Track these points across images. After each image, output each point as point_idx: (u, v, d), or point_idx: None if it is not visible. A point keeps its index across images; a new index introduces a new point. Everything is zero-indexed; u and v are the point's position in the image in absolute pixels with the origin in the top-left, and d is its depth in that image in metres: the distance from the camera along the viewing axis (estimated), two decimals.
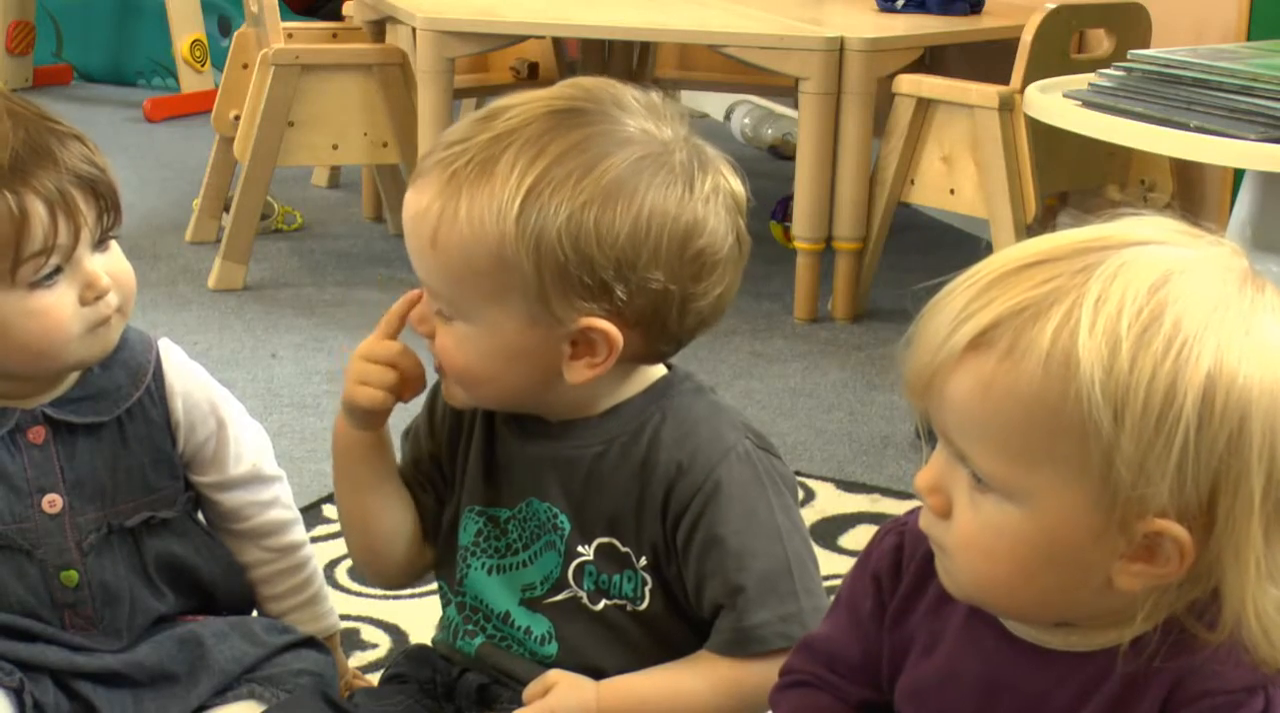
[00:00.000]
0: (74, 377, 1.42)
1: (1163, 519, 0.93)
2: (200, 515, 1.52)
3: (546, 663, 1.31)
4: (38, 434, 1.41)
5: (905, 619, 1.11)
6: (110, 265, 1.39)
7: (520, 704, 1.30)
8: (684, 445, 1.26)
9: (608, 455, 1.28)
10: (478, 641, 1.35)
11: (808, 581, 1.28)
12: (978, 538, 0.97)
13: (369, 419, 1.33)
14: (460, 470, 1.36)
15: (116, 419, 1.42)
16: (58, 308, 1.35)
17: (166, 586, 1.46)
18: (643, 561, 1.28)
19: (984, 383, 0.94)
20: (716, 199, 1.24)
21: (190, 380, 1.47)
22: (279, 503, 1.52)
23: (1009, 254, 0.98)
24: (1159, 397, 0.91)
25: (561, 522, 1.30)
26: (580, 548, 1.29)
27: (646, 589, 1.29)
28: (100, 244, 1.38)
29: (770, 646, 1.25)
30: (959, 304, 0.96)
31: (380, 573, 1.42)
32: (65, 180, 1.33)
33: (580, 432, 1.29)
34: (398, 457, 1.40)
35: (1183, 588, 0.96)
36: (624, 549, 1.28)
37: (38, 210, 1.32)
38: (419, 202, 1.22)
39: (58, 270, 1.35)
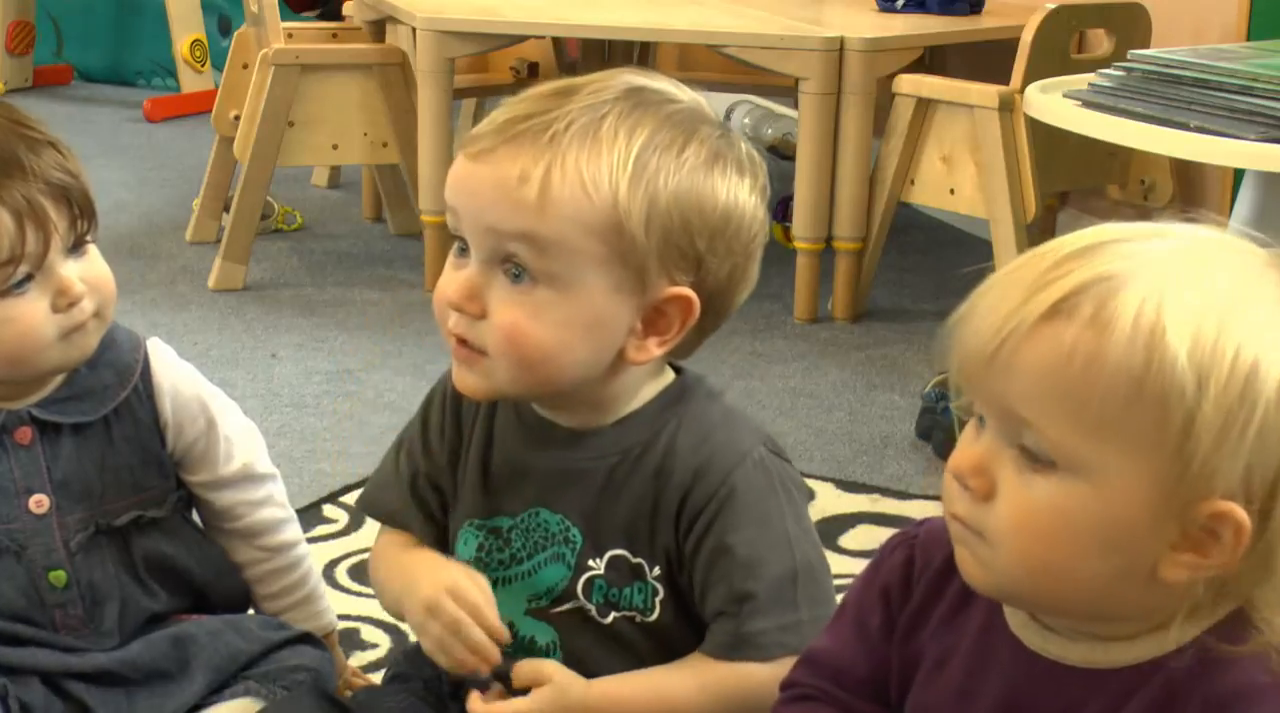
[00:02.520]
0: (61, 377, 1.42)
1: (1227, 501, 0.92)
2: (194, 515, 1.52)
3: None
4: (24, 435, 1.41)
5: (916, 635, 1.09)
6: (87, 271, 1.38)
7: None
8: (699, 452, 1.25)
9: (623, 466, 1.27)
10: None
11: (814, 589, 1.26)
12: (1031, 519, 0.96)
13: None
14: (458, 485, 1.34)
15: (103, 419, 1.42)
16: (29, 315, 1.35)
17: (157, 584, 1.46)
18: (656, 570, 1.27)
19: (1065, 350, 0.93)
20: (763, 198, 1.27)
21: (179, 379, 1.47)
22: (272, 501, 1.52)
23: (1080, 234, 0.97)
24: (1244, 370, 0.91)
25: (574, 535, 1.28)
26: (592, 561, 1.28)
27: (657, 600, 1.27)
28: (76, 250, 1.38)
29: (766, 653, 1.24)
30: (1030, 276, 0.95)
31: None
32: (34, 189, 1.33)
33: (594, 442, 1.28)
34: (397, 472, 1.38)
35: (1219, 594, 0.96)
36: (636, 560, 1.27)
37: (4, 220, 1.32)
38: (511, 166, 1.19)
39: (28, 278, 1.35)
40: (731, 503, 1.24)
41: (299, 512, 1.58)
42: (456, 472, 1.34)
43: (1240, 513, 0.92)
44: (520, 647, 1.31)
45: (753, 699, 1.22)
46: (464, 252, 1.24)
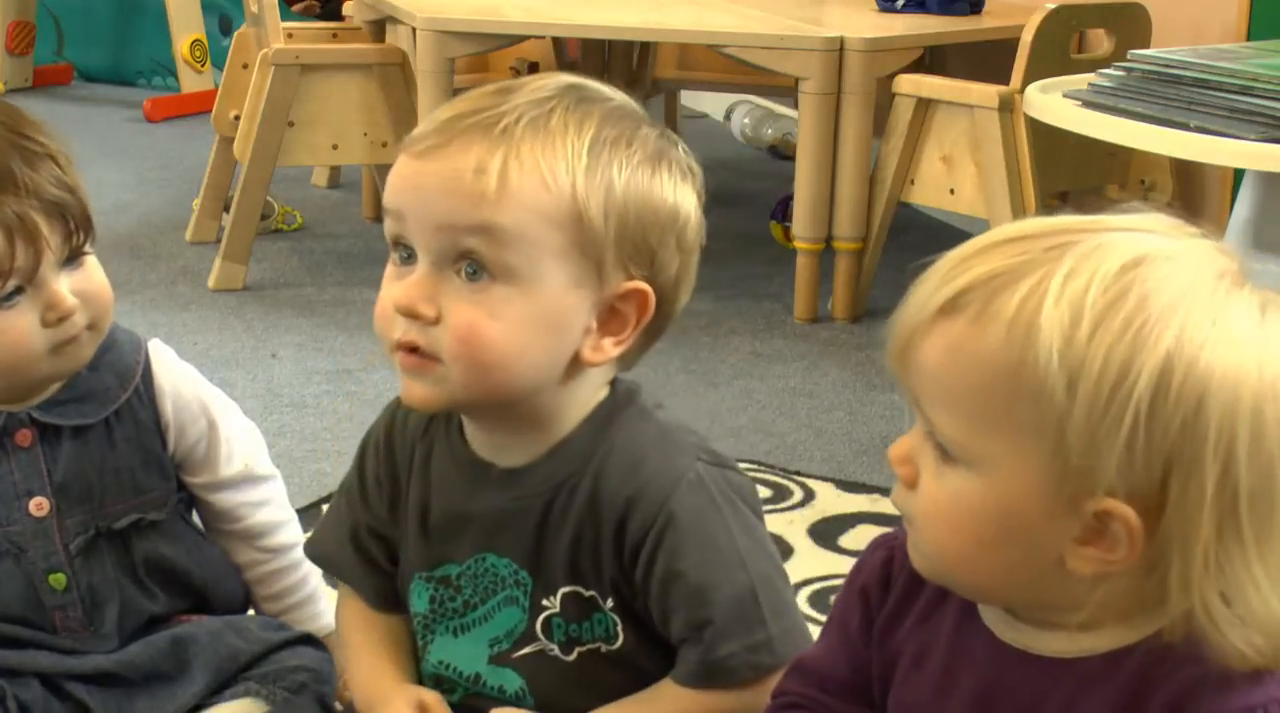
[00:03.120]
0: (57, 379, 1.41)
1: (1112, 499, 0.93)
2: (194, 517, 1.52)
3: (526, 706, 1.28)
4: (24, 437, 1.41)
5: (893, 633, 1.10)
6: (82, 283, 1.38)
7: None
8: (630, 481, 1.22)
9: (558, 501, 1.24)
10: (455, 696, 1.31)
11: (775, 602, 1.23)
12: (940, 508, 0.99)
13: None
14: (402, 535, 1.32)
15: (104, 421, 1.42)
16: (18, 328, 1.35)
17: (157, 587, 1.46)
18: (609, 602, 1.24)
19: (951, 346, 0.96)
20: (700, 201, 1.26)
21: (180, 381, 1.46)
22: (272, 503, 1.52)
23: (995, 230, 1.00)
24: (1114, 371, 0.91)
25: (523, 577, 1.25)
26: (545, 601, 1.25)
27: (618, 628, 1.25)
28: (71, 262, 1.37)
29: (738, 677, 1.22)
30: (939, 274, 0.98)
31: None
32: (26, 204, 1.33)
33: (527, 480, 1.25)
34: (338, 521, 1.37)
35: (1136, 578, 0.96)
36: (589, 594, 1.24)
37: None
38: (465, 159, 1.16)
39: (19, 291, 1.34)
40: (672, 530, 1.21)
41: (299, 512, 1.58)
42: (396, 518, 1.32)
43: (1124, 510, 0.93)
44: (491, 697, 1.28)
45: None
46: (407, 259, 1.20)
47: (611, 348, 1.21)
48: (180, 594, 1.48)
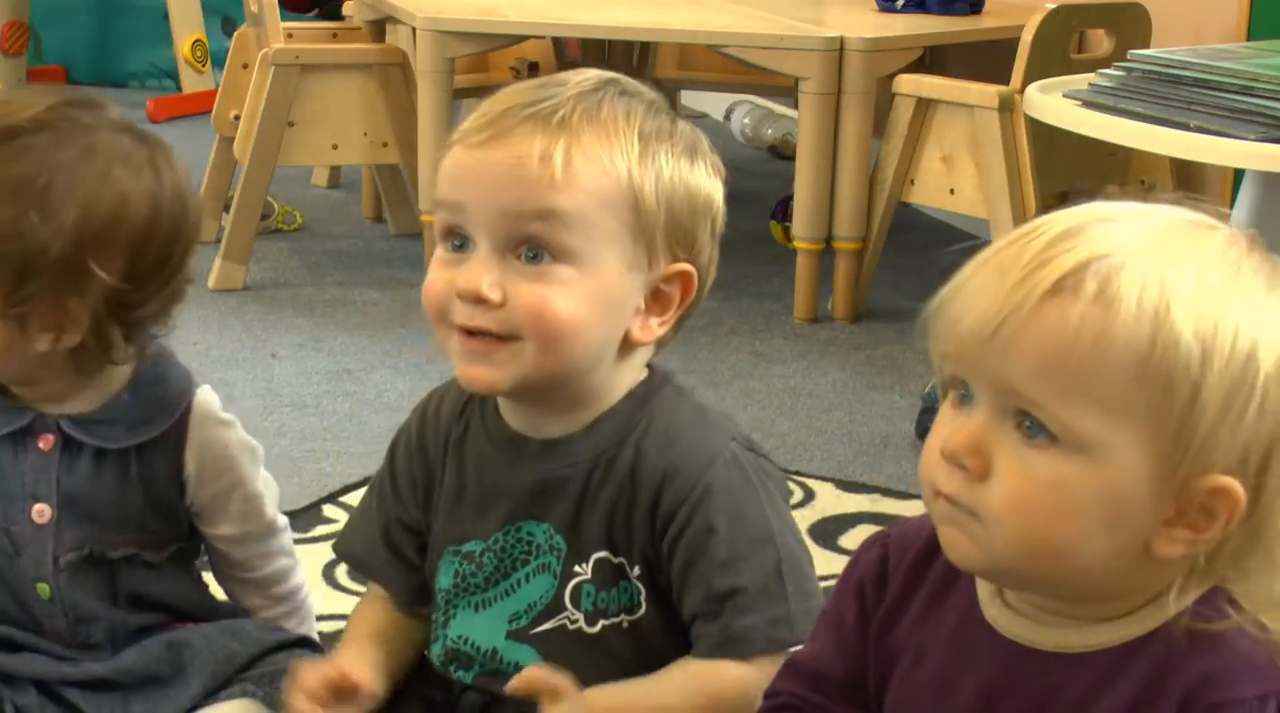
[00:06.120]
0: (101, 396, 1.40)
1: (1226, 475, 0.94)
2: (194, 554, 1.51)
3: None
4: (47, 441, 1.39)
5: (892, 630, 1.09)
6: None
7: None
8: (667, 454, 1.25)
9: (597, 472, 1.27)
10: (470, 674, 1.32)
11: (801, 581, 1.26)
12: (1032, 497, 0.95)
13: None
14: (432, 519, 1.33)
15: (124, 451, 1.40)
16: None
17: (141, 613, 1.44)
18: (636, 570, 1.27)
19: (1072, 327, 0.93)
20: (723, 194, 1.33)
21: (213, 438, 1.43)
22: (283, 551, 1.51)
23: (1066, 213, 0.98)
24: (1245, 347, 0.93)
25: (559, 543, 1.28)
26: (577, 567, 1.27)
27: (642, 598, 1.27)
28: None
29: (756, 649, 1.24)
30: (1025, 255, 0.95)
31: None
32: None
33: (567, 450, 1.28)
34: (368, 519, 1.38)
35: (1193, 575, 0.97)
36: (617, 560, 1.27)
37: None
38: (529, 147, 1.21)
39: None
40: (707, 502, 1.24)
41: (299, 512, 1.58)
42: (430, 508, 1.34)
43: (1238, 487, 0.94)
44: (506, 673, 1.29)
45: (747, 696, 1.21)
46: (460, 247, 1.23)
47: (658, 327, 1.27)
48: (168, 618, 1.47)
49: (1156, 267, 0.93)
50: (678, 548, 1.25)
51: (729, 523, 1.24)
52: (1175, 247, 0.95)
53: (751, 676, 1.23)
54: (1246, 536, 0.96)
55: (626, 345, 1.27)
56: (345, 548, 1.41)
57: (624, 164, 1.23)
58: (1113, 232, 0.95)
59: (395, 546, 1.36)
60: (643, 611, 1.27)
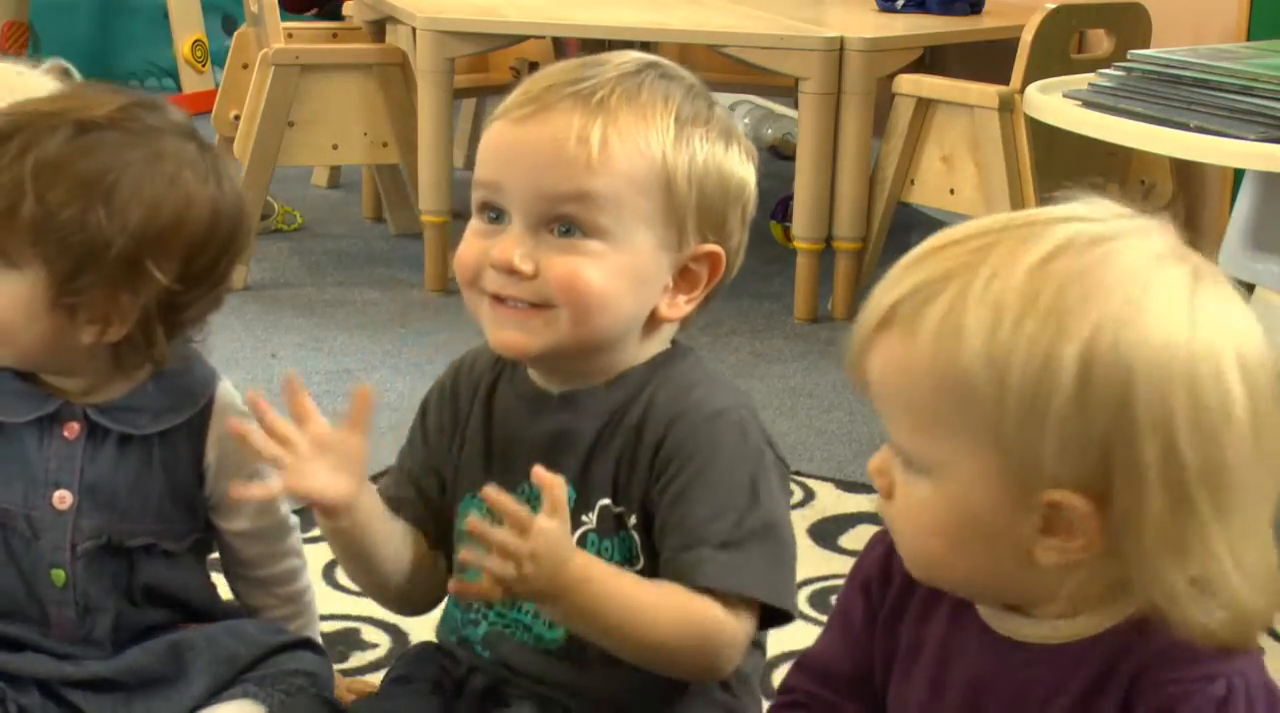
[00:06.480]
0: (127, 385, 1.42)
1: (1059, 489, 0.94)
2: (209, 548, 1.51)
3: (551, 649, 1.31)
4: (72, 429, 1.41)
5: (896, 627, 1.11)
6: None
7: (529, 701, 1.30)
8: (676, 403, 1.28)
9: (609, 426, 1.30)
10: (481, 629, 1.34)
11: (773, 547, 1.26)
12: (910, 515, 1.00)
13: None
14: (456, 462, 1.36)
15: (147, 439, 1.42)
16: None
17: (151, 608, 1.45)
18: (633, 519, 1.29)
19: (891, 360, 0.98)
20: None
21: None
22: (293, 551, 1.52)
23: (930, 239, 1.01)
24: (1037, 362, 0.92)
25: (569, 493, 1.28)
26: (584, 516, 1.29)
27: (639, 550, 1.29)
28: None
29: (712, 582, 1.23)
30: (879, 289, 1.00)
31: (415, 605, 1.42)
32: None
33: (587, 403, 1.31)
34: (400, 467, 1.40)
35: (1102, 565, 0.97)
36: (618, 509, 1.29)
37: None
38: (566, 126, 1.24)
39: None
40: (704, 452, 1.26)
41: (299, 511, 1.58)
42: (451, 451, 1.37)
43: (1074, 499, 0.94)
44: (523, 622, 1.32)
45: (709, 636, 1.23)
46: (496, 219, 1.27)
47: (685, 305, 1.30)
48: (176, 615, 1.47)
49: (963, 291, 0.95)
50: (668, 490, 1.27)
51: (716, 476, 1.26)
52: (997, 264, 0.95)
53: (727, 622, 1.24)
54: (1129, 555, 0.95)
55: (653, 321, 1.30)
56: (382, 491, 1.40)
57: (659, 147, 1.26)
58: (947, 257, 0.97)
59: (422, 489, 1.38)
60: (641, 564, 1.29)
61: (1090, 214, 0.98)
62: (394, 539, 1.34)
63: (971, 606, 1.06)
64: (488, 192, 1.27)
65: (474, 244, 1.28)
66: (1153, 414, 0.92)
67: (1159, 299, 0.93)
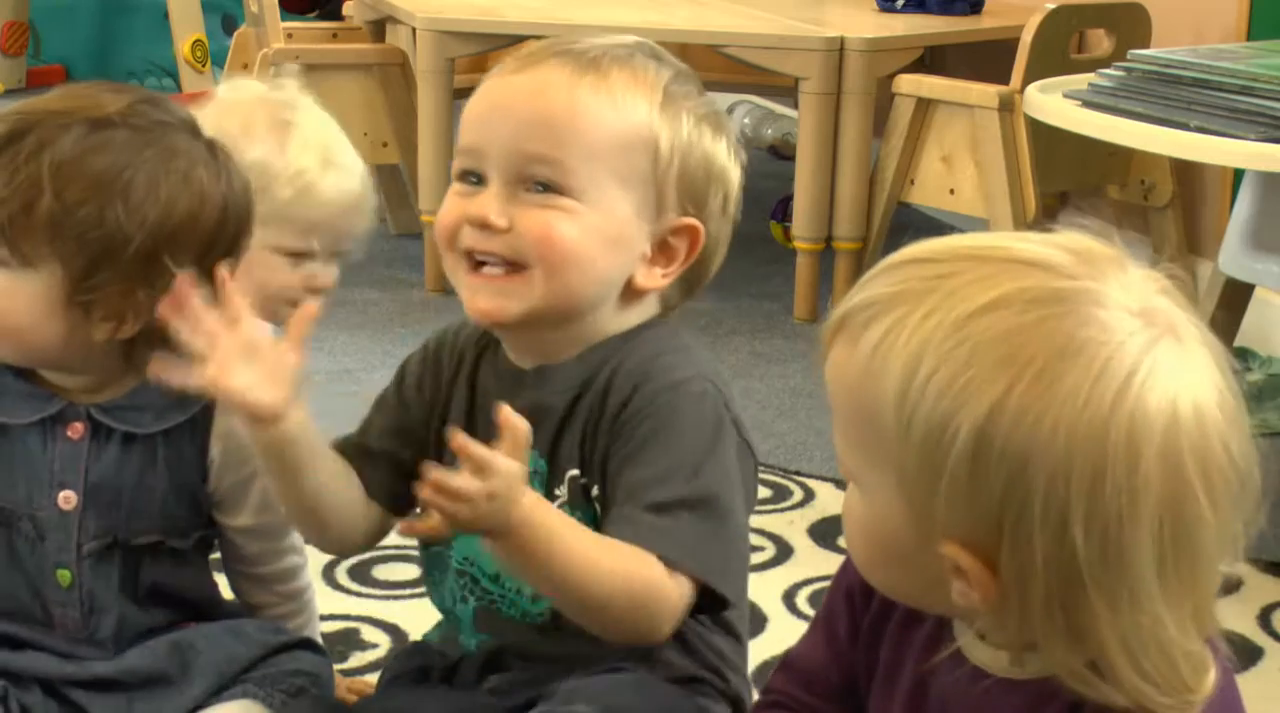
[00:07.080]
0: (130, 384, 1.42)
1: (953, 545, 0.91)
2: (213, 552, 1.51)
3: (537, 624, 1.31)
4: (76, 430, 1.41)
5: (877, 645, 1.10)
6: None
7: (524, 680, 1.30)
8: (641, 370, 1.28)
9: (581, 398, 1.30)
10: (470, 605, 1.34)
11: (712, 523, 1.24)
12: (849, 516, 1.00)
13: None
14: (438, 437, 1.34)
15: (152, 437, 1.42)
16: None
17: (156, 608, 1.45)
18: (595, 490, 1.28)
19: (835, 367, 0.97)
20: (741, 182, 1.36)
21: (238, 427, 1.44)
22: (294, 549, 1.53)
23: (905, 250, 0.98)
24: (936, 424, 0.89)
25: (541, 467, 1.30)
26: (557, 490, 1.29)
27: (600, 522, 1.27)
28: None
29: (633, 542, 1.22)
30: (851, 290, 0.99)
31: (340, 542, 1.41)
32: None
33: (558, 376, 1.30)
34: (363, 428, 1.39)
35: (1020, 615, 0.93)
36: (584, 480, 1.29)
37: None
38: (553, 75, 1.26)
39: None
40: (653, 419, 1.26)
41: None
42: (431, 423, 1.36)
43: (964, 557, 0.91)
44: (509, 598, 1.32)
45: (648, 594, 1.21)
46: (476, 183, 1.27)
47: (661, 278, 1.30)
48: (180, 615, 1.47)
49: (902, 320, 0.92)
50: (620, 454, 1.26)
51: (670, 440, 1.25)
52: (937, 302, 0.91)
53: (668, 586, 1.22)
54: (1025, 625, 0.92)
55: (630, 292, 1.30)
56: (336, 444, 1.39)
57: (646, 109, 1.27)
58: (903, 276, 0.94)
59: (385, 443, 1.37)
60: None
61: (1066, 264, 0.92)
62: (325, 469, 1.32)
63: (948, 630, 1.03)
64: (467, 158, 1.28)
65: (454, 205, 1.29)
66: (1045, 504, 0.88)
67: (1082, 377, 0.88)
